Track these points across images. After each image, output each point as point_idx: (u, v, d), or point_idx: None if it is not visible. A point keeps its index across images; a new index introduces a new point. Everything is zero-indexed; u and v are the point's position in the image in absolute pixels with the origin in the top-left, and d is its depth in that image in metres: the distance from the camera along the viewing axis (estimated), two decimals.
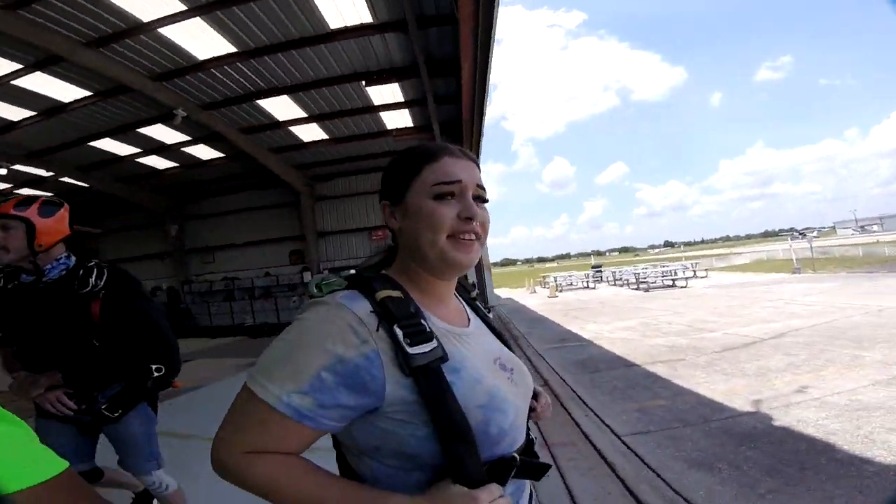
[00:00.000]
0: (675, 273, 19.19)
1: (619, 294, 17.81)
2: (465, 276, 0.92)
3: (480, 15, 5.84)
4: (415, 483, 0.71)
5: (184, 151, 12.40)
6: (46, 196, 1.89)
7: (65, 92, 8.58)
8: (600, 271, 26.11)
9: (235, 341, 12.00)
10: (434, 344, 0.69)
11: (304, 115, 10.83)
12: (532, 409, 0.91)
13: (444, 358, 0.69)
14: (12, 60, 7.33)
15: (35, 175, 12.74)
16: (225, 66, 8.34)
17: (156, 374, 1.92)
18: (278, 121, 10.94)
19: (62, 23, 6.56)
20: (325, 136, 12.33)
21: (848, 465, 2.99)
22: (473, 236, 0.77)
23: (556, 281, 23.56)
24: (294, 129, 11.55)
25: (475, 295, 1.00)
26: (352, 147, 13.26)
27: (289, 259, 16.03)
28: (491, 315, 0.98)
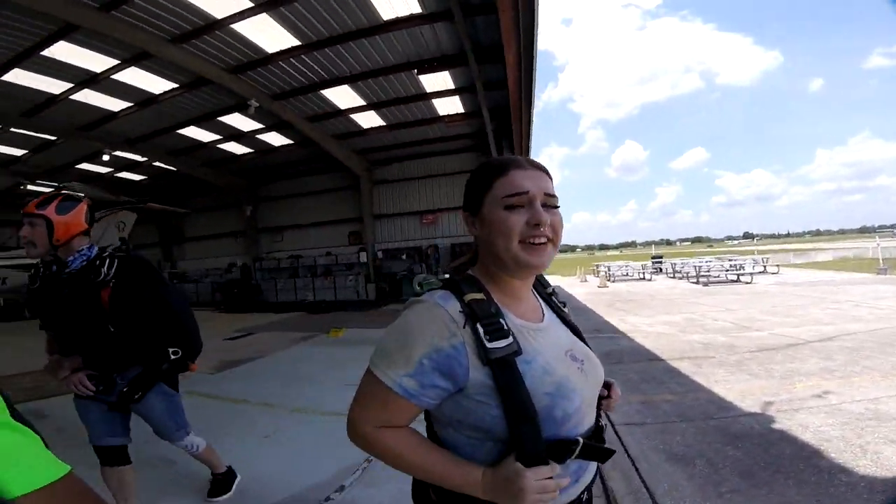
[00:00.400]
0: (742, 267, 18.14)
1: (676, 287, 17.02)
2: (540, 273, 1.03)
3: (520, 3, 6.04)
4: (485, 452, 0.84)
5: (257, 138, 13.58)
6: (67, 192, 2.07)
7: (156, 84, 9.76)
8: (661, 262, 24.95)
9: (296, 316, 12.98)
10: (510, 340, 0.82)
11: (362, 102, 11.52)
12: (602, 398, 1.01)
13: (518, 352, 0.82)
14: (111, 56, 8.49)
15: (132, 160, 14.50)
16: (291, 59, 9.11)
17: (172, 357, 2.07)
18: (340, 109, 11.71)
19: (148, 21, 7.49)
20: (382, 123, 13.01)
21: (824, 472, 2.94)
22: (544, 240, 0.85)
23: (608, 270, 23.06)
24: (354, 116, 12.30)
25: (551, 291, 1.08)
26: (406, 133, 13.90)
27: (347, 240, 17.03)
28: (566, 309, 1.09)
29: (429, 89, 10.99)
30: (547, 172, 0.90)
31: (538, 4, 6.58)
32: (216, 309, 15.48)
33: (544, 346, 0.88)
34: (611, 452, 0.87)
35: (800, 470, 2.95)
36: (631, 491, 2.83)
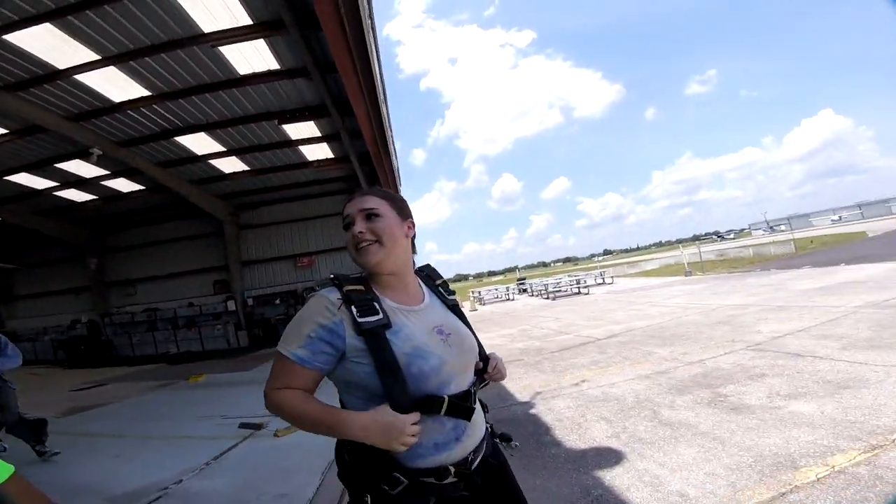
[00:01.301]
0: (584, 281, 21.10)
1: (529, 304, 19.13)
2: (430, 268, 1.39)
3: (360, 71, 6.81)
4: (393, 408, 1.05)
5: (102, 185, 12.52)
6: None
7: None
8: (524, 283, 27.98)
9: (154, 368, 12.10)
10: (379, 316, 1.08)
11: (223, 148, 11.40)
12: (485, 371, 1.31)
13: (387, 325, 1.08)
14: None
15: None
16: (141, 108, 8.88)
17: None
18: (197, 154, 11.43)
19: None
20: (245, 168, 12.86)
21: (543, 446, 3.52)
22: (366, 242, 1.15)
23: (479, 294, 25.82)
24: (214, 161, 12.03)
25: (439, 283, 1.36)
26: (276, 177, 13.94)
27: (213, 288, 16.19)
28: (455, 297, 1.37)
29: (294, 137, 11.23)
30: (373, 193, 1.23)
31: (378, 70, 7.44)
32: (60, 366, 14.07)
33: (413, 322, 1.14)
34: (470, 411, 1.15)
35: (528, 445, 3.55)
36: None
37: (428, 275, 1.37)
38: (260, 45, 7.53)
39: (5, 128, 8.84)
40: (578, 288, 20.73)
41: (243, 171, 13.07)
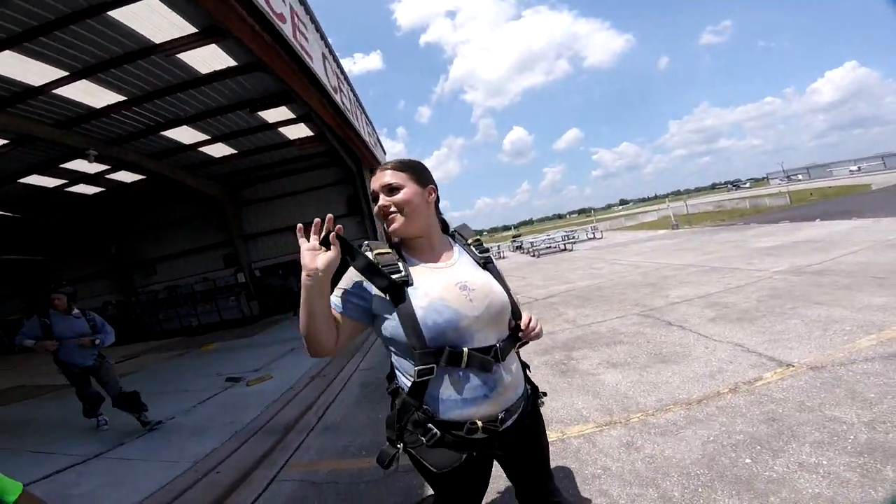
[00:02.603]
0: (577, 237, 21.35)
1: (515, 262, 19.29)
2: (465, 228, 1.48)
3: (298, 70, 7.30)
4: (406, 365, 1.20)
5: (108, 178, 13.45)
6: None
7: None
8: (519, 240, 28.09)
9: (175, 341, 13.50)
10: (401, 273, 1.18)
11: (207, 137, 12.07)
12: (519, 329, 1.30)
13: (407, 282, 1.18)
14: None
15: None
16: (122, 111, 9.49)
17: None
18: (185, 144, 12.13)
19: None
20: (233, 151, 13.56)
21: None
22: (391, 214, 1.26)
23: None
24: (203, 149, 12.73)
25: (470, 243, 1.41)
26: (264, 157, 14.59)
27: (223, 262, 17.31)
28: (489, 255, 1.41)
29: (271, 120, 11.77)
30: (393, 167, 1.30)
31: (325, 67, 7.86)
32: None
33: (434, 278, 1.22)
34: (489, 363, 1.17)
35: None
36: None
37: (460, 234, 1.44)
38: (212, 48, 7.97)
39: (4, 139, 9.61)
40: (564, 245, 21.00)
41: (232, 155, 13.75)
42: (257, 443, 4.14)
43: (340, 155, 14.06)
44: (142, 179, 14.09)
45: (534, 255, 20.29)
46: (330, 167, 16.26)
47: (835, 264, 6.81)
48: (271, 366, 7.59)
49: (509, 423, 1.20)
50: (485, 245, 1.42)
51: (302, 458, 3.66)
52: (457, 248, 1.37)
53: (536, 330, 1.31)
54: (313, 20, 8.15)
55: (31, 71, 7.42)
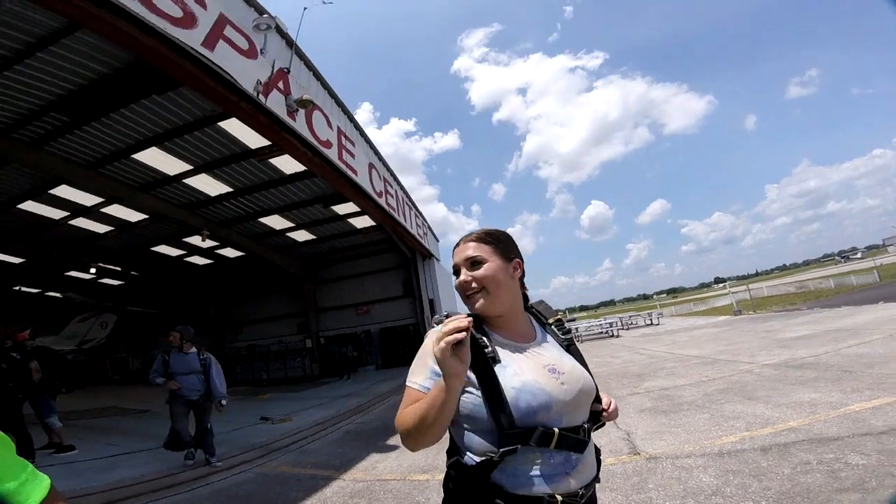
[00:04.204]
0: (634, 323, 20.52)
1: None
2: (543, 305, 1.35)
3: (345, 183, 9.23)
4: (479, 442, 1.07)
5: (216, 253, 16.41)
6: None
7: (131, 216, 12.63)
8: (564, 325, 27.28)
9: (245, 388, 15.45)
10: (489, 350, 1.08)
11: (292, 224, 14.56)
12: (600, 412, 1.22)
13: (496, 359, 1.08)
14: (96, 195, 11.23)
15: (112, 269, 17.14)
16: (231, 200, 12.12)
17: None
18: (275, 229, 14.66)
19: (121, 175, 10.38)
20: (313, 237, 15.99)
21: None
22: (472, 291, 1.17)
23: None
24: (290, 234, 15.29)
25: (551, 322, 1.30)
26: (337, 242, 16.92)
27: (296, 329, 19.34)
28: (571, 337, 1.30)
29: (341, 213, 14.01)
30: (477, 239, 1.22)
31: (371, 182, 9.73)
32: None
33: (522, 358, 1.12)
34: (583, 443, 1.10)
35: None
36: None
37: (541, 312, 1.33)
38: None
39: (145, 214, 12.55)
40: (612, 331, 20.59)
41: (311, 240, 16.22)
42: (250, 453, 5.80)
43: (396, 242, 15.95)
44: (241, 255, 16.92)
45: (578, 341, 19.92)
46: (390, 252, 18.01)
47: (830, 356, 6.69)
48: (299, 413, 8.93)
49: (583, 501, 1.11)
50: (564, 325, 1.33)
51: (270, 464, 4.89)
52: (538, 328, 1.28)
53: (615, 412, 1.28)
54: (363, 134, 10.23)
55: (165, 163, 10.04)
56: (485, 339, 1.11)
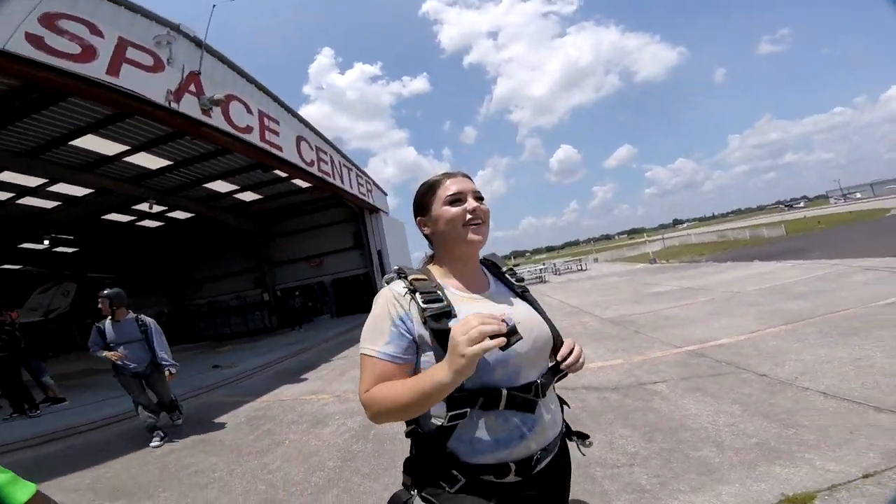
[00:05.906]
0: (568, 268, 22.53)
1: None
2: (496, 257, 1.30)
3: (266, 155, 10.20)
4: (437, 406, 0.96)
5: (167, 216, 17.10)
6: None
7: (77, 192, 13.15)
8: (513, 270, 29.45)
9: (204, 344, 16.67)
10: (443, 303, 1.01)
11: (238, 187, 15.33)
12: (559, 362, 1.09)
13: (450, 313, 1.00)
14: (40, 178, 11.91)
15: (68, 239, 17.74)
16: (172, 171, 12.80)
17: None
18: (221, 192, 15.40)
19: (66, 159, 11.07)
20: (260, 197, 16.83)
21: None
22: (479, 221, 1.11)
23: None
24: (237, 196, 16.05)
25: (505, 271, 1.26)
26: (285, 200, 17.81)
27: (254, 284, 20.55)
28: (525, 285, 1.25)
29: (283, 175, 14.78)
30: (470, 178, 1.18)
31: (301, 153, 10.70)
32: None
33: (475, 309, 0.98)
34: (532, 403, 1.01)
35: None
36: None
37: (493, 263, 1.28)
38: None
39: (90, 188, 13.15)
40: (542, 277, 22.42)
41: (259, 199, 17.04)
42: (199, 391, 7.33)
43: (342, 200, 17.04)
44: (192, 217, 17.67)
45: None
46: (339, 207, 19.01)
47: (648, 316, 7.33)
48: (247, 360, 10.29)
49: (543, 464, 1.04)
50: (517, 273, 1.28)
51: (209, 396, 6.44)
52: (490, 277, 1.23)
53: (580, 361, 1.11)
54: (289, 110, 11.07)
55: (105, 146, 10.66)
56: (439, 291, 1.05)
